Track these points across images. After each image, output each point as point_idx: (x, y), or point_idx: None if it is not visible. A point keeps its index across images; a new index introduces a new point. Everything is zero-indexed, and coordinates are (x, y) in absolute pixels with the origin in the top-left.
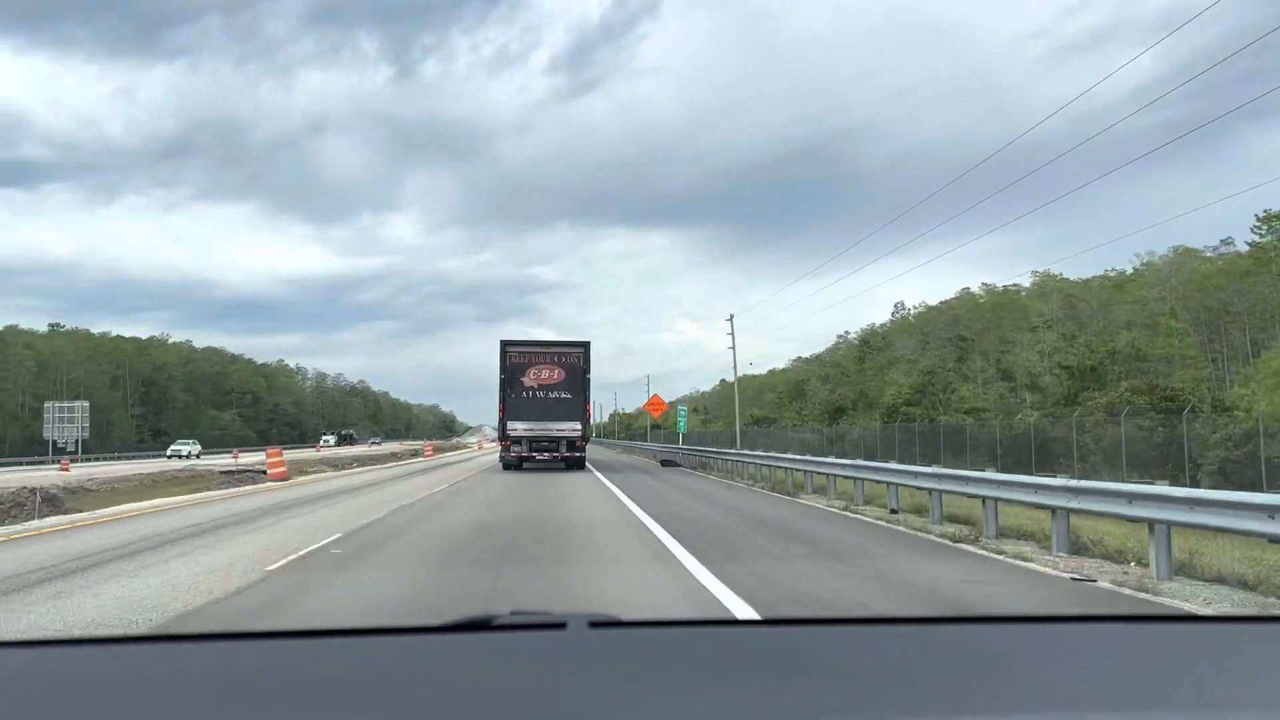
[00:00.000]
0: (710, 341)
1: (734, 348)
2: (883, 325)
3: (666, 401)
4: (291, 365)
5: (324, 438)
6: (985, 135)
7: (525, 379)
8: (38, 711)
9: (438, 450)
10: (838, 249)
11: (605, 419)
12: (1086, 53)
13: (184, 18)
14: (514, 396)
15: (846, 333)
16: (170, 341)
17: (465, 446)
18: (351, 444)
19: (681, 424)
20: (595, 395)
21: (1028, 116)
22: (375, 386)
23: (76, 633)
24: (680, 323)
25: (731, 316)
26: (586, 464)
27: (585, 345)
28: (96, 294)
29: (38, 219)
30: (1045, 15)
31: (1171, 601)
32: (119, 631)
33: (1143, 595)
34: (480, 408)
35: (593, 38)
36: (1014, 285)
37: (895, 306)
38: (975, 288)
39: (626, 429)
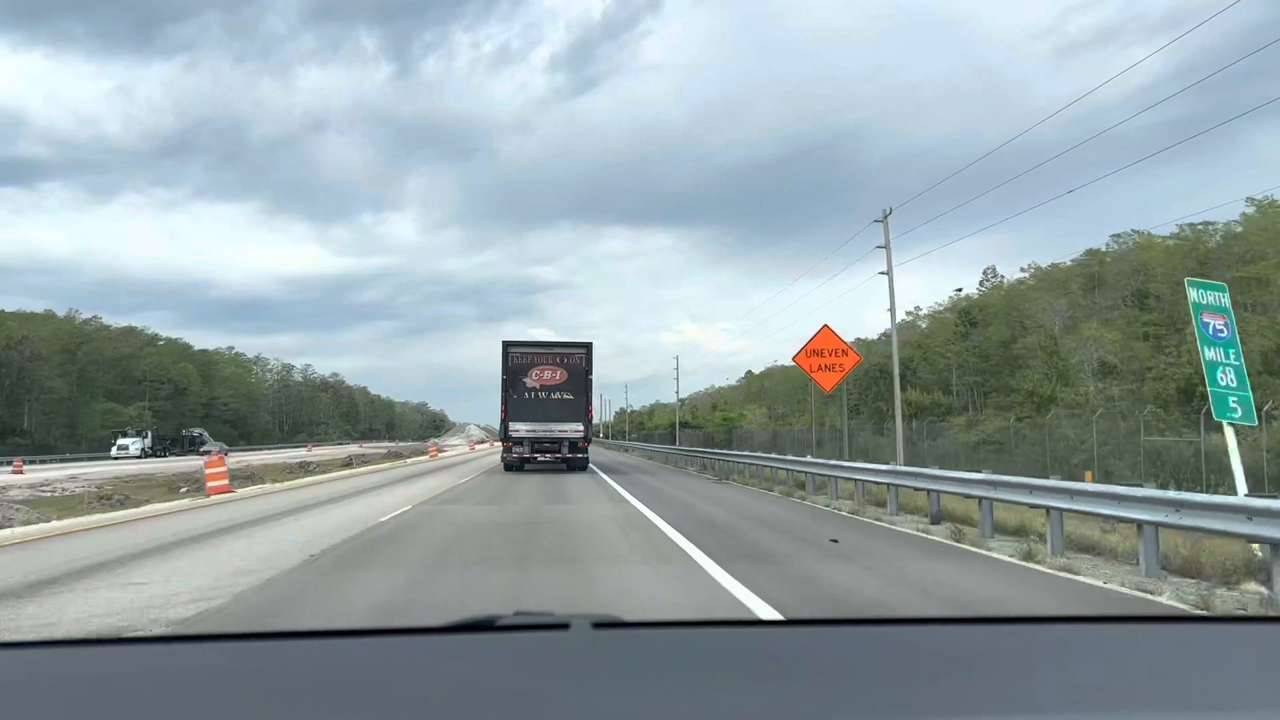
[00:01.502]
0: (711, 341)
1: (889, 271)
2: (964, 298)
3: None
4: (249, 355)
5: (120, 440)
6: (990, 133)
7: (527, 380)
8: (42, 714)
9: (395, 456)
10: (836, 247)
11: (611, 418)
12: (1091, 51)
13: (183, 14)
14: (516, 397)
15: (917, 308)
16: (60, 315)
17: (444, 452)
18: (195, 450)
19: (1232, 413)
20: (598, 394)
21: (1032, 116)
22: (372, 387)
23: (78, 634)
24: (681, 322)
25: (888, 212)
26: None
27: (587, 346)
28: (96, 293)
29: (36, 217)
30: (1051, 13)
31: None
32: (119, 633)
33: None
34: (474, 407)
35: (594, 35)
36: (1202, 224)
37: (985, 272)
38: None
39: (639, 428)
